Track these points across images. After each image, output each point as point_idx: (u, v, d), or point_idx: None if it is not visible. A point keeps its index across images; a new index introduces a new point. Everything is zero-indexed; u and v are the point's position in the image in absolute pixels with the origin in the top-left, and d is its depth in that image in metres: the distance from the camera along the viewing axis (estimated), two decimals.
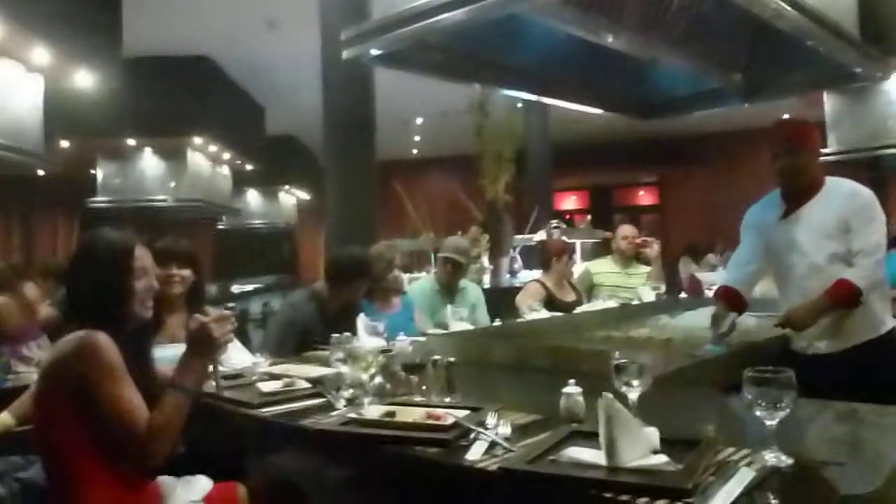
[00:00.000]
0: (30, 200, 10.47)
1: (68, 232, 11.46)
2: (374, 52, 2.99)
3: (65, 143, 7.91)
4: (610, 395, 1.40)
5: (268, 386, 2.27)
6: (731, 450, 1.43)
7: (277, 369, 2.55)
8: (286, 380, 2.34)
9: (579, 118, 7.77)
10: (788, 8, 2.80)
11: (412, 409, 1.90)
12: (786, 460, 1.34)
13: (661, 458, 1.32)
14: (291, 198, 13.52)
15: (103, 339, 1.83)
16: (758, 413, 1.36)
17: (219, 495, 2.03)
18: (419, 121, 11.69)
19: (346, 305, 3.45)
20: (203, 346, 1.93)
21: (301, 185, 13.00)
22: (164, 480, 2.01)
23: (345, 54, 3.01)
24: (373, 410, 1.89)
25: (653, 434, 1.40)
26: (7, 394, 3.53)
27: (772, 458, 1.35)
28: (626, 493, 1.23)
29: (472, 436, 1.65)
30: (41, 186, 9.81)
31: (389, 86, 5.55)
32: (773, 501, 1.20)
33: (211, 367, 2.06)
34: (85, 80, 5.66)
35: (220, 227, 12.17)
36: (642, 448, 1.35)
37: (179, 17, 7.14)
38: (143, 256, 2.00)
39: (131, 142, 8.29)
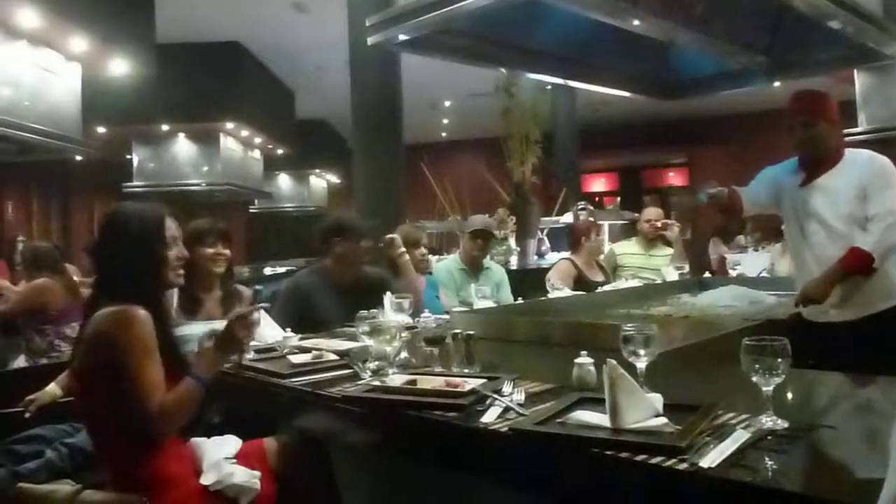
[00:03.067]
0: (68, 185, 10.76)
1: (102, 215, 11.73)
2: (400, 37, 3.06)
3: (101, 129, 8.12)
4: (614, 362, 1.49)
5: (298, 358, 2.39)
6: (731, 414, 1.51)
7: (307, 343, 2.67)
8: (315, 352, 2.46)
9: (607, 100, 7.78)
10: None
11: (432, 378, 2.01)
12: (781, 423, 1.42)
13: (661, 420, 1.41)
14: (322, 181, 13.67)
15: (141, 315, 1.93)
16: (754, 379, 1.44)
17: (248, 451, 2.16)
18: (447, 104, 11.74)
19: (359, 281, 3.47)
20: (227, 345, 2.02)
21: (331, 169, 13.14)
22: (197, 441, 2.14)
23: (370, 40, 3.08)
24: (396, 379, 1.99)
25: (656, 399, 1.49)
26: (52, 369, 3.73)
27: (768, 421, 1.43)
28: (625, 450, 1.32)
29: (488, 402, 1.75)
30: (79, 171, 10.08)
31: (417, 69, 5.63)
32: (767, 459, 1.28)
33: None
34: (120, 67, 5.84)
35: (251, 210, 12.37)
36: (644, 411, 1.44)
37: (210, 3, 7.28)
38: (172, 227, 2.11)
39: (165, 127, 8.47)
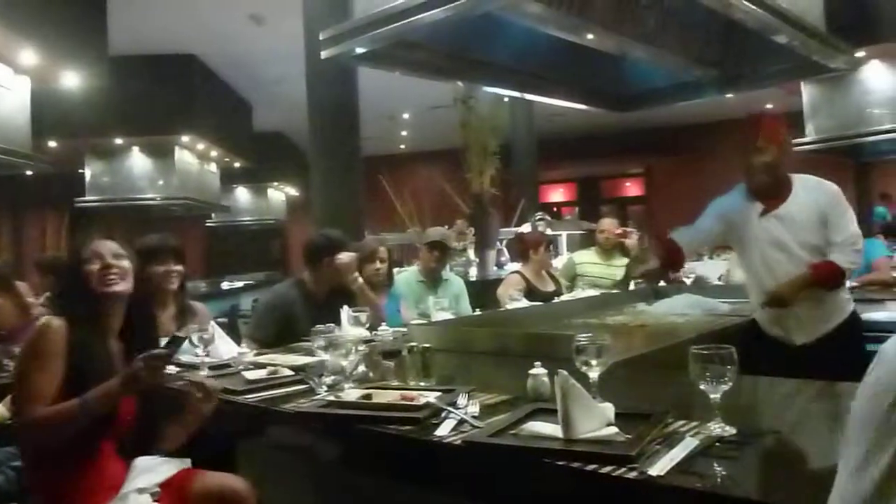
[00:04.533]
0: (18, 200, 10.52)
1: (57, 230, 11.51)
2: (356, 50, 3.06)
3: (53, 143, 7.96)
4: (565, 373, 1.50)
5: (253, 374, 2.37)
6: (681, 422, 1.54)
7: (263, 359, 2.65)
8: (271, 368, 2.44)
9: (563, 111, 7.85)
10: (751, 5, 2.90)
11: (388, 391, 2.01)
12: (729, 430, 1.45)
13: (612, 430, 1.43)
14: (280, 194, 13.58)
15: (53, 325, 1.96)
16: (702, 387, 1.47)
17: (175, 481, 2.07)
18: (406, 116, 11.76)
19: (333, 293, 3.52)
20: (130, 383, 1.93)
21: (290, 182, 13.06)
22: (136, 462, 2.08)
23: (324, 54, 3.08)
24: (351, 394, 1.99)
25: (607, 409, 1.51)
26: (1, 389, 3.63)
27: (716, 428, 1.46)
28: (577, 460, 1.33)
29: (443, 415, 1.75)
30: (29, 186, 9.86)
31: (375, 81, 5.60)
32: (716, 466, 1.30)
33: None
34: (72, 79, 5.72)
35: (209, 224, 12.23)
36: (596, 421, 1.45)
37: (165, 15, 7.19)
38: (97, 244, 2.11)
39: (119, 140, 8.34)
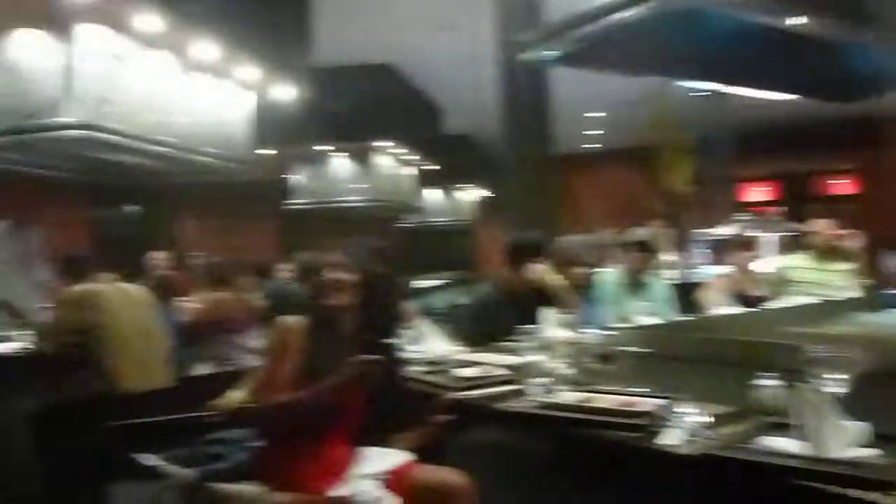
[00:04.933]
0: (236, 205, 11.51)
1: (267, 232, 12.48)
2: (552, 53, 3.04)
3: (265, 151, 8.63)
4: (808, 386, 1.40)
5: (465, 372, 2.42)
6: None
7: (473, 357, 2.70)
8: (482, 367, 2.48)
9: (765, 103, 7.39)
10: None
11: (605, 396, 1.97)
12: None
13: (872, 451, 1.31)
14: (471, 195, 13.85)
15: (293, 324, 2.12)
16: None
17: (401, 473, 2.15)
18: (595, 113, 11.57)
19: (533, 294, 3.52)
20: (350, 380, 2.08)
21: (479, 183, 13.29)
22: (363, 450, 2.21)
23: (521, 57, 3.09)
24: (568, 396, 1.97)
25: (861, 428, 1.38)
26: (229, 376, 3.97)
27: None
28: (834, 483, 1.23)
29: (668, 423, 1.69)
30: (246, 192, 10.76)
31: (563, 80, 5.60)
32: None
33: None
34: (284, 92, 6.19)
35: (402, 225, 12.72)
36: (848, 440, 1.34)
37: (364, 28, 7.58)
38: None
39: (323, 147, 8.89)
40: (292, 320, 2.13)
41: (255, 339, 4.70)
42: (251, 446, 2.77)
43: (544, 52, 3.10)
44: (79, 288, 3.74)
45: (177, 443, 2.90)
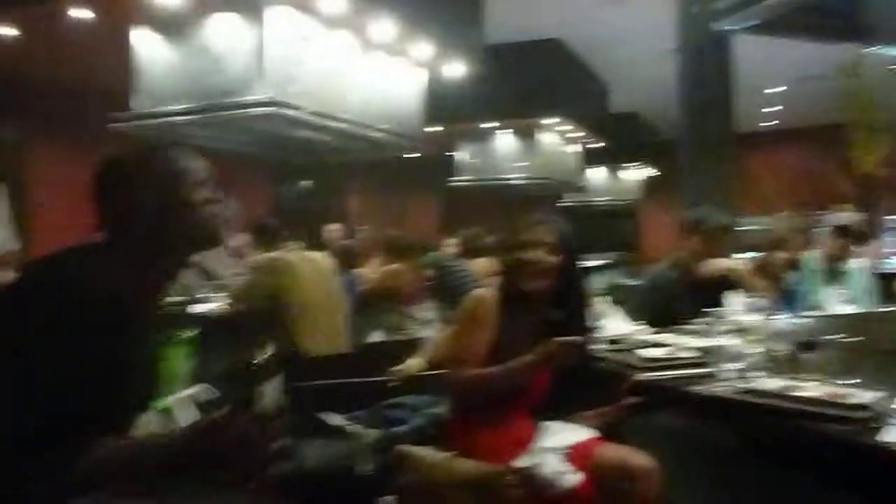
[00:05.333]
0: (401, 181, 11.85)
1: (431, 208, 12.78)
2: (745, 22, 2.86)
3: (432, 128, 8.77)
4: None
5: (650, 352, 2.35)
6: None
7: (656, 338, 2.62)
8: (668, 348, 2.40)
9: None
10: None
11: (807, 385, 1.84)
12: None
13: None
14: (635, 174, 13.45)
15: (487, 297, 2.13)
16: None
17: (583, 448, 2.12)
18: (773, 89, 10.85)
19: (714, 276, 3.37)
20: (544, 361, 2.04)
21: (645, 162, 12.88)
22: (546, 424, 2.19)
23: (714, 26, 2.93)
24: (768, 383, 1.86)
25: None
26: (402, 345, 4.11)
27: None
28: None
29: (884, 419, 1.55)
30: (410, 168, 11.04)
31: (742, 53, 5.28)
32: None
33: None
34: (454, 70, 6.25)
35: (563, 204, 12.58)
36: None
37: (534, 3, 7.49)
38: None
39: (488, 125, 8.91)
40: (487, 293, 2.14)
41: (426, 311, 4.82)
42: (431, 412, 2.86)
43: (736, 22, 2.92)
44: (269, 255, 3.98)
45: (357, 405, 3.04)
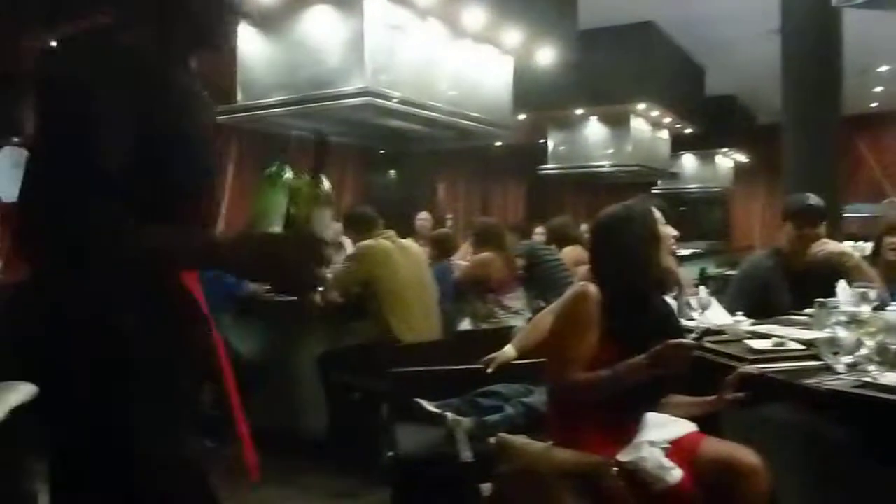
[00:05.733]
0: (488, 169, 11.85)
1: (518, 196, 12.73)
2: None
3: (522, 116, 8.71)
4: None
5: (758, 343, 2.28)
6: None
7: (761, 328, 2.54)
8: (776, 339, 2.32)
9: None
10: None
11: None
12: None
13: None
14: (728, 161, 13.01)
15: (591, 293, 2.05)
16: None
17: (684, 443, 2.08)
18: (883, 69, 10.28)
19: (816, 265, 3.23)
20: (656, 364, 1.97)
21: (739, 147, 12.43)
22: (649, 416, 2.15)
23: (834, 2, 2.79)
24: (886, 377, 1.78)
25: None
26: (492, 333, 4.11)
27: None
28: None
29: None
30: (498, 155, 11.02)
31: (850, 29, 5.03)
32: None
33: None
34: (546, 56, 6.18)
35: (654, 191, 12.30)
36: None
37: None
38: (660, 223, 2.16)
39: (579, 111, 8.78)
40: (591, 289, 2.09)
41: (516, 299, 4.82)
42: (523, 402, 2.85)
43: None
44: (364, 242, 4.05)
45: (448, 393, 3.06)
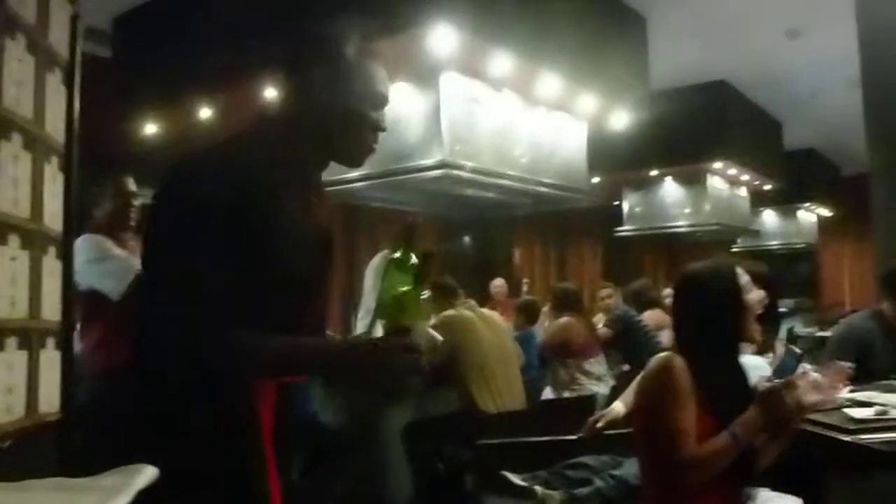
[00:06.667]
0: (566, 231, 11.83)
1: (593, 259, 12.63)
2: None
3: (597, 178, 8.73)
4: None
5: (858, 412, 2.19)
6: None
7: (860, 396, 2.44)
8: (878, 408, 2.23)
9: None
10: None
11: None
12: None
13: None
14: (811, 216, 12.64)
15: (678, 363, 2.01)
16: None
17: None
18: None
19: None
20: (770, 411, 1.92)
21: (822, 202, 12.08)
22: (755, 494, 2.08)
23: None
24: None
25: None
26: (575, 403, 4.06)
27: None
28: None
29: None
30: (574, 218, 11.00)
31: None
32: None
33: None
34: (619, 119, 6.23)
35: (734, 249, 12.03)
36: None
37: (698, 45, 7.34)
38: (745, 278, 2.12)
39: (654, 172, 8.75)
40: (676, 358, 2.04)
41: (598, 364, 4.76)
42: (613, 474, 2.80)
43: None
44: (447, 313, 4.10)
45: (532, 464, 3.03)
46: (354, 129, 1.50)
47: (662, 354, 2.11)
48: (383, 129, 1.56)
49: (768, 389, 1.94)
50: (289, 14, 4.41)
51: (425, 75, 4.45)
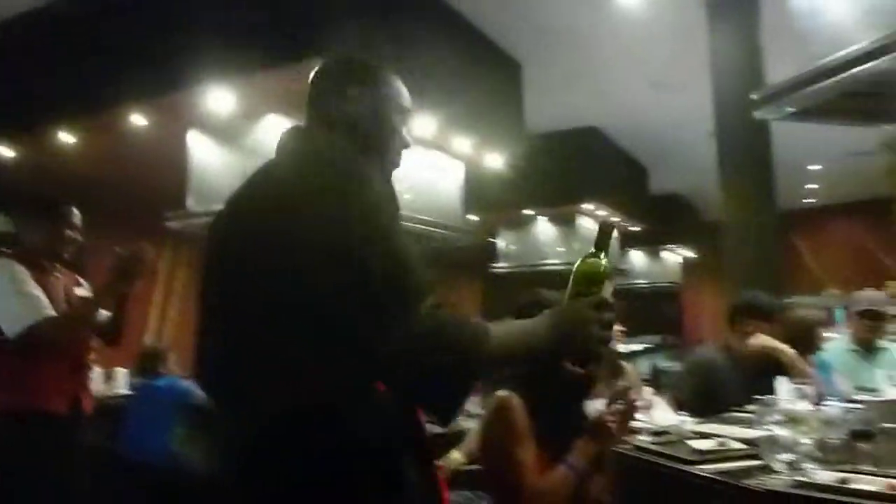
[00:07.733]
0: (444, 268, 11.94)
1: (472, 295, 12.82)
2: (789, 109, 2.94)
3: (474, 217, 8.91)
4: None
5: (700, 444, 2.32)
6: None
7: (704, 428, 2.59)
8: (717, 439, 2.37)
9: None
10: None
11: (865, 477, 1.81)
12: None
13: None
14: (676, 257, 13.39)
15: (515, 402, 2.09)
16: None
17: None
18: (814, 167, 10.85)
19: (764, 361, 3.33)
20: (600, 436, 2.05)
21: (685, 243, 12.84)
22: None
23: (757, 114, 3.00)
24: (824, 476, 1.83)
25: None
26: (450, 437, 4.06)
27: None
28: None
29: None
30: (449, 256, 11.14)
31: (782, 133, 5.36)
32: None
33: None
34: (495, 161, 6.42)
35: None
36: None
37: (572, 93, 7.71)
38: None
39: (528, 212, 9.04)
40: (512, 397, 2.11)
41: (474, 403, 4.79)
42: None
43: (779, 110, 3.00)
44: None
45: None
46: (392, 145, 1.57)
47: (500, 394, 2.17)
48: (409, 146, 1.61)
49: (595, 419, 2.04)
50: (153, 36, 4.31)
51: (298, 109, 4.43)
